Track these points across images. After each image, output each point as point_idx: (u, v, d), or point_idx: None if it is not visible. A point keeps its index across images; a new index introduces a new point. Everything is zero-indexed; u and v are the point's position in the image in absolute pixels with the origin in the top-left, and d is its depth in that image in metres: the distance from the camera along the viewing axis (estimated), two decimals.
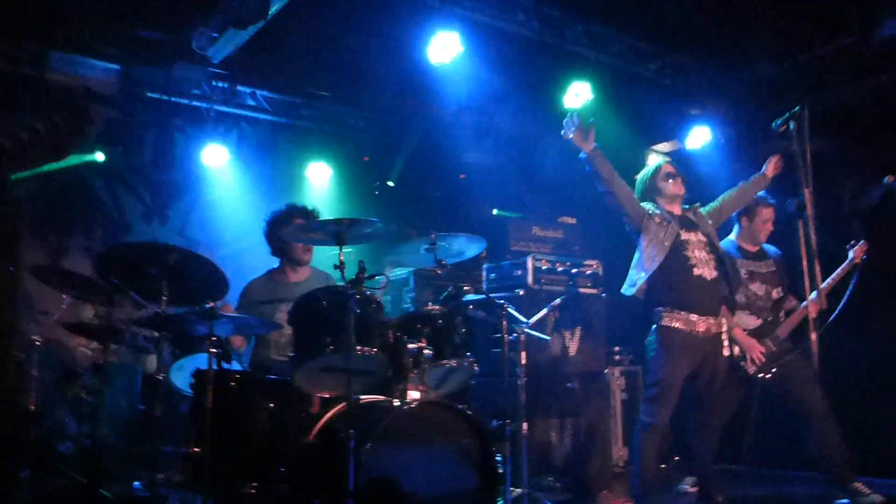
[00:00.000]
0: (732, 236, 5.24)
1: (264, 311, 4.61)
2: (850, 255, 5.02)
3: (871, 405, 5.64)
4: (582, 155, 4.32)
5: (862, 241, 5.06)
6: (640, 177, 4.65)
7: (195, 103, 6.73)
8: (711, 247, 4.46)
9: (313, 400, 4.26)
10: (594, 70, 6.20)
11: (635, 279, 4.41)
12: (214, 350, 3.72)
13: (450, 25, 5.49)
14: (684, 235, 4.40)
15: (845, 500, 4.44)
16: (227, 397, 3.85)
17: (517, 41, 5.84)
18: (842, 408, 4.79)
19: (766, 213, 5.11)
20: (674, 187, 4.51)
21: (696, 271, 4.33)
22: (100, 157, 6.37)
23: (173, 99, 6.51)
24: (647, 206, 4.48)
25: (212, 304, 3.84)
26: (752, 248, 5.18)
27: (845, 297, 4.87)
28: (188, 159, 6.97)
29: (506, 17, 5.64)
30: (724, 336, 4.39)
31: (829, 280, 4.93)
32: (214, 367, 3.73)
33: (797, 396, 4.79)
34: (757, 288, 5.06)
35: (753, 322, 5.02)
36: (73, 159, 6.16)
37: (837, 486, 4.63)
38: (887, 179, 4.68)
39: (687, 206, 4.61)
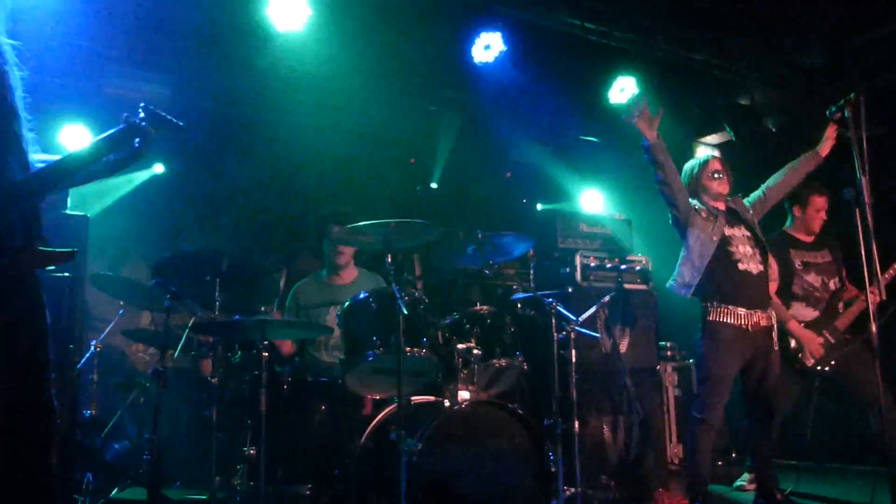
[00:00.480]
0: (787, 225, 5.12)
1: (313, 314, 4.67)
2: None
3: None
4: (643, 143, 4.27)
5: None
6: (685, 169, 4.57)
7: (247, 112, 6.82)
8: (755, 240, 4.38)
9: (365, 401, 4.31)
10: (640, 63, 6.12)
11: (687, 278, 4.33)
12: (267, 353, 3.79)
13: (492, 25, 5.50)
14: (728, 231, 4.33)
15: None
16: (280, 400, 3.92)
17: (561, 37, 5.80)
18: None
19: (819, 202, 4.97)
20: (719, 186, 4.43)
21: (742, 266, 4.26)
22: (158, 168, 6.55)
23: (225, 109, 6.62)
24: (693, 201, 4.42)
25: (264, 308, 3.91)
26: (807, 239, 5.05)
27: None
28: (241, 165, 7.08)
29: (549, 14, 5.60)
30: (774, 329, 4.30)
31: (889, 270, 4.79)
32: (267, 370, 3.79)
33: (859, 389, 4.67)
34: (813, 279, 4.94)
35: (811, 314, 4.90)
36: (136, 178, 6.35)
37: None
38: None
39: (729, 198, 4.53)
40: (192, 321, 4.25)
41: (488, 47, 5.64)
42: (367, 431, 3.93)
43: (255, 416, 3.74)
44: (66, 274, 3.86)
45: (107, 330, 5.05)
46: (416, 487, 3.46)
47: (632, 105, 4.25)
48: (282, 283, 4.73)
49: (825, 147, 4.56)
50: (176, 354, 4.99)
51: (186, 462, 4.72)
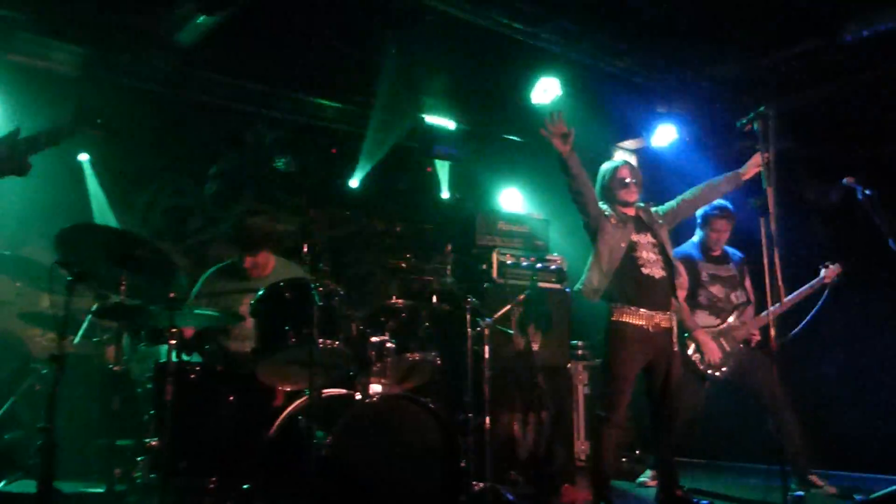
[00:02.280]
0: (695, 239, 5.30)
1: (225, 302, 4.55)
2: (822, 273, 5.07)
3: (827, 401, 5.77)
4: (557, 155, 4.33)
5: (837, 264, 5.09)
6: (598, 176, 4.65)
7: (161, 90, 6.60)
8: (660, 248, 4.51)
9: (275, 393, 4.23)
10: (563, 66, 6.21)
11: (595, 283, 4.43)
12: (175, 341, 3.67)
13: (417, 16, 5.47)
14: (634, 237, 4.45)
15: (800, 492, 4.53)
16: (187, 390, 3.81)
17: (487, 35, 5.82)
18: (800, 404, 4.90)
19: (720, 224, 5.15)
20: (625, 194, 4.53)
21: (645, 270, 4.39)
22: (83, 157, 6.31)
23: (139, 85, 6.39)
24: (603, 206, 4.52)
25: (173, 295, 3.78)
26: (714, 253, 5.24)
27: (812, 314, 4.93)
28: (155, 146, 6.85)
29: (476, 10, 5.61)
30: (674, 331, 4.44)
31: (793, 295, 4.98)
32: (175, 358, 3.67)
33: (758, 392, 4.90)
34: (717, 291, 5.16)
35: (713, 322, 5.12)
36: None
37: (793, 478, 4.73)
38: (846, 180, 4.76)
39: (640, 205, 4.64)
40: (95, 305, 4.07)
41: (414, 40, 5.61)
42: (277, 423, 3.86)
43: (159, 405, 3.61)
44: None
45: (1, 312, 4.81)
46: (325, 481, 3.42)
47: (548, 119, 4.30)
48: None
49: (748, 172, 4.65)
50: (77, 340, 4.79)
51: (85, 453, 4.54)
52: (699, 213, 5.13)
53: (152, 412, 3.74)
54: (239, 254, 4.61)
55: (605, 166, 4.68)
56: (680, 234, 5.08)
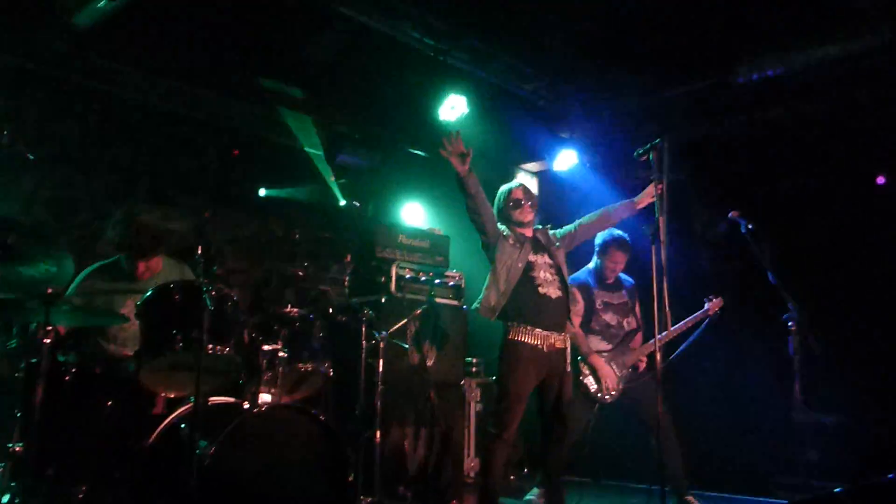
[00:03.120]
0: (591, 266, 5.42)
1: (107, 302, 4.32)
2: (706, 305, 5.29)
3: (706, 426, 6.00)
4: (456, 174, 4.35)
5: (719, 298, 5.30)
6: (495, 197, 4.71)
7: (53, 73, 6.25)
8: (556, 269, 4.60)
9: (157, 399, 4.04)
10: (472, 84, 6.27)
11: (492, 302, 4.46)
12: (49, 340, 3.44)
13: (331, 23, 5.42)
14: (532, 257, 4.53)
15: None
16: (60, 392, 3.59)
17: (399, 48, 5.83)
18: (681, 427, 5.08)
19: (618, 256, 5.30)
20: (520, 215, 4.61)
21: (541, 290, 4.46)
22: None
23: (28, 66, 6.03)
24: (501, 227, 4.58)
25: (51, 290, 3.55)
26: (608, 281, 5.38)
27: (686, 343, 5.13)
28: (41, 132, 6.46)
29: (391, 22, 5.60)
30: (567, 352, 4.52)
31: (679, 325, 5.17)
32: (48, 358, 3.44)
33: (643, 415, 5.04)
34: (610, 318, 5.30)
35: (605, 347, 5.25)
36: None
37: (673, 498, 4.89)
38: (732, 214, 5.01)
39: (539, 227, 4.72)
40: None
41: (326, 46, 5.55)
42: (157, 431, 3.68)
43: (27, 407, 3.38)
44: None
45: None
46: (207, 493, 3.27)
47: (446, 138, 4.33)
48: None
49: (642, 201, 4.77)
50: None
51: None
52: (597, 241, 5.25)
53: (18, 414, 3.49)
54: (127, 255, 4.38)
55: (502, 188, 4.75)
56: (576, 260, 5.18)
